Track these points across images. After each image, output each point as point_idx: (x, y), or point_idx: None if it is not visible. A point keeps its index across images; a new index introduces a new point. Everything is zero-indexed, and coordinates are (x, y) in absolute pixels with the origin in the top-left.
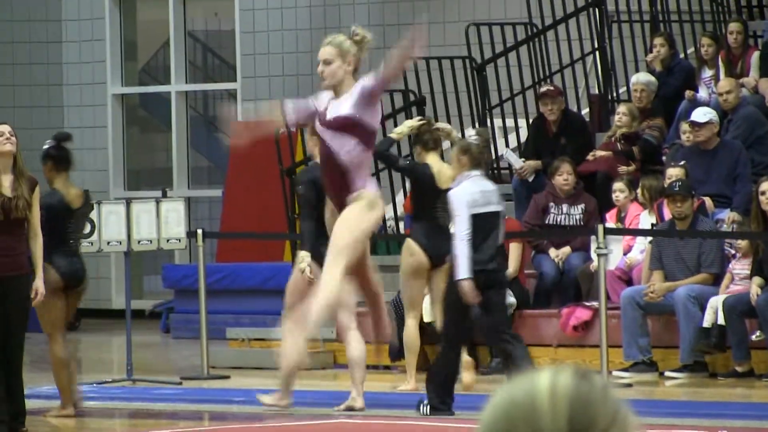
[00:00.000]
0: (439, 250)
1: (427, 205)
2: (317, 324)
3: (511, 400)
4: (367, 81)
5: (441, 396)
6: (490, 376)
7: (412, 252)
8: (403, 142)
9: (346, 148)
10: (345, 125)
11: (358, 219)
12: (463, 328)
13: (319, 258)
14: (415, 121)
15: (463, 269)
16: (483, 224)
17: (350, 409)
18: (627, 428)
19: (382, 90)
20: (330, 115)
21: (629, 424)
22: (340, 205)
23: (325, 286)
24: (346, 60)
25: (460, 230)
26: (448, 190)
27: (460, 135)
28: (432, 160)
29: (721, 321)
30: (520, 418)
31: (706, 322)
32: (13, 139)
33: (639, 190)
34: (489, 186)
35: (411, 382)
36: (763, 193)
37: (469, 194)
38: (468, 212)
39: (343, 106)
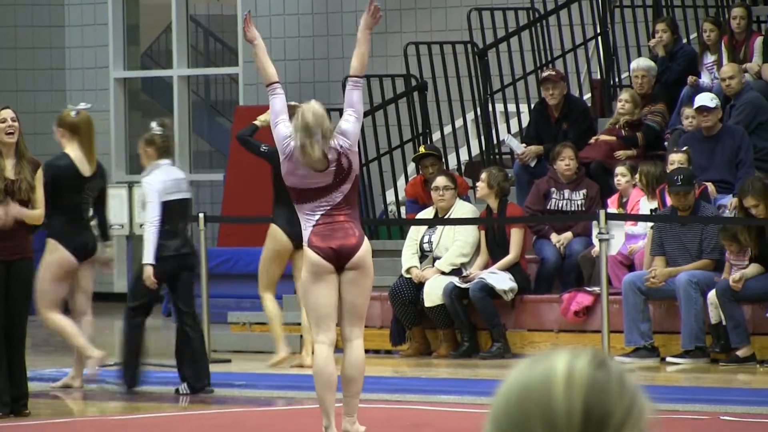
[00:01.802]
0: (300, 233)
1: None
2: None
3: (526, 384)
4: (348, 126)
5: (133, 368)
6: (489, 360)
7: (275, 236)
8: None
9: (347, 195)
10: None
11: (370, 285)
12: (147, 302)
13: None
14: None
15: (149, 254)
16: (175, 210)
17: None
18: (642, 419)
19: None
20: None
21: (645, 415)
22: (342, 248)
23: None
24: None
25: (151, 216)
26: None
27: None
28: None
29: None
30: (533, 405)
31: (713, 319)
32: (16, 125)
33: (638, 177)
34: (179, 174)
35: (283, 351)
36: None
37: (160, 182)
38: (159, 199)
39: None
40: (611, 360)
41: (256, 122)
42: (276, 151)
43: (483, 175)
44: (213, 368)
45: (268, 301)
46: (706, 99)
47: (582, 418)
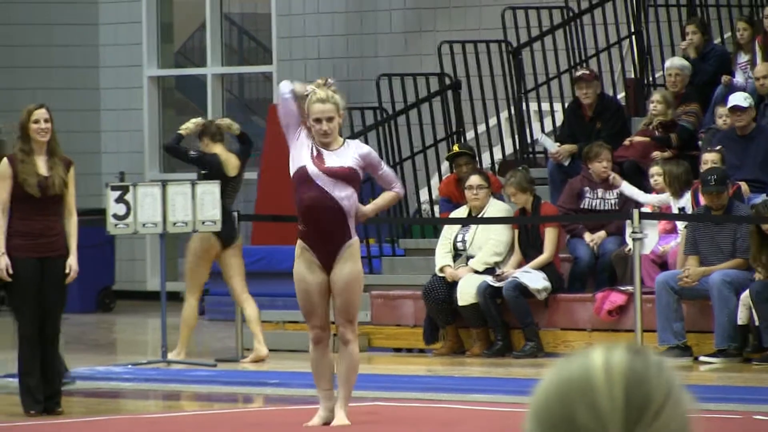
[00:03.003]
0: (228, 233)
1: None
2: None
3: (566, 379)
4: (374, 158)
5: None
6: (523, 359)
7: (203, 236)
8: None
9: (345, 193)
10: (348, 176)
11: (360, 281)
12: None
13: None
14: (199, 119)
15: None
16: None
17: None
18: (682, 403)
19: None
20: (331, 164)
21: (684, 399)
22: (331, 251)
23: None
24: (340, 115)
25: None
26: (236, 176)
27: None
28: (219, 150)
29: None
30: (576, 396)
31: (741, 320)
32: (48, 126)
33: (671, 177)
34: None
35: (181, 354)
36: None
37: None
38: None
39: (345, 159)
40: (647, 350)
41: (181, 131)
42: (206, 154)
43: (511, 180)
44: (246, 367)
45: (193, 304)
46: (739, 98)
47: (624, 404)
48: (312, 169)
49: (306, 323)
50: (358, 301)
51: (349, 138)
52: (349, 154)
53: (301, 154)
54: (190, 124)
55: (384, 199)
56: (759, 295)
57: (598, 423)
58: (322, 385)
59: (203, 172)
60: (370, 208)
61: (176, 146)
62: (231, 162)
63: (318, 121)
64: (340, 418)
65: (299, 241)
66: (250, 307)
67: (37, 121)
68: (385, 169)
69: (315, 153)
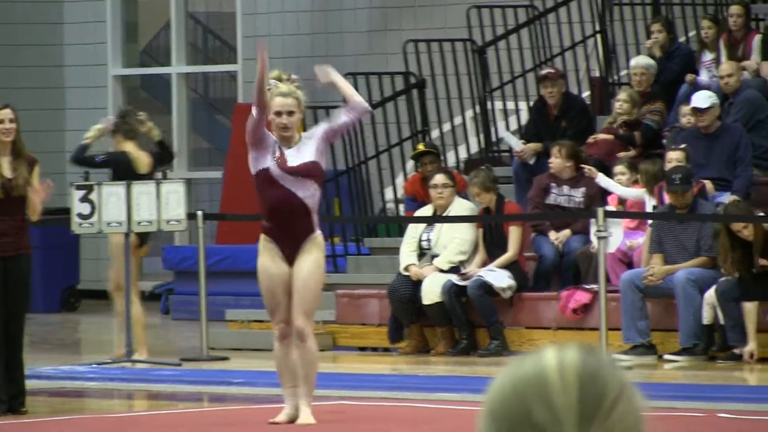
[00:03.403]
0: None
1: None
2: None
3: (520, 377)
4: (325, 127)
5: None
6: (487, 358)
7: (120, 236)
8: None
9: (309, 192)
10: (310, 171)
11: (321, 275)
12: None
13: None
14: (101, 125)
15: None
16: None
17: None
18: (635, 400)
19: (335, 136)
20: (293, 162)
21: (636, 396)
22: (294, 246)
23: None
24: (301, 110)
25: None
26: (146, 174)
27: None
28: (130, 147)
29: (720, 317)
30: (530, 393)
31: (706, 319)
32: (13, 126)
33: (639, 175)
34: None
35: (143, 353)
36: None
37: None
38: None
39: (305, 154)
40: (597, 349)
41: (85, 141)
42: (113, 153)
43: (474, 180)
44: (211, 366)
45: (137, 302)
46: (700, 99)
47: (578, 400)
48: (275, 170)
49: (270, 320)
50: (318, 295)
51: None
52: (308, 145)
53: (265, 156)
54: (93, 132)
55: (348, 85)
56: (724, 294)
57: (554, 420)
58: (286, 382)
59: (112, 171)
60: (334, 74)
61: (82, 157)
62: (142, 160)
63: (278, 114)
64: (306, 416)
65: (262, 236)
66: (137, 308)
67: (1, 121)
68: (343, 111)
69: (278, 154)
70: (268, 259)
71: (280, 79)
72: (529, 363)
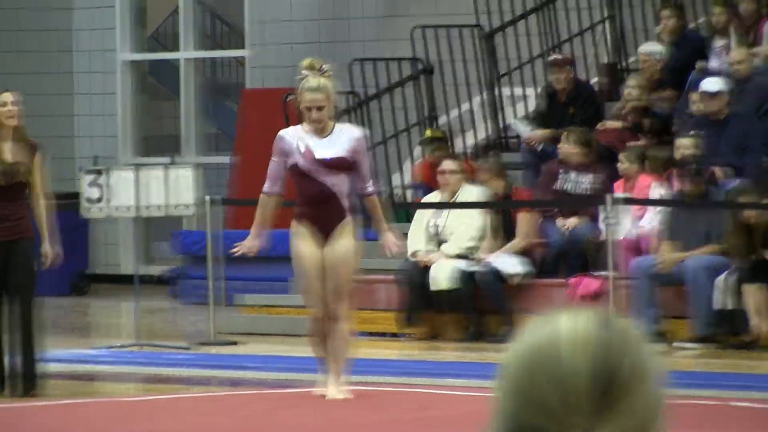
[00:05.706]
0: None
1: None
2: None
3: (533, 346)
4: (363, 152)
5: None
6: (497, 344)
7: None
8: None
9: (340, 182)
10: (341, 165)
11: (355, 261)
12: None
13: None
14: None
15: None
16: None
17: None
18: (649, 375)
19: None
20: (322, 155)
21: (652, 370)
22: (328, 228)
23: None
24: (332, 101)
25: None
26: None
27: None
28: None
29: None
30: (541, 366)
31: (717, 304)
32: (16, 109)
33: (647, 162)
34: None
35: None
36: None
37: None
38: None
39: (336, 149)
40: (614, 318)
41: None
42: None
43: (485, 167)
44: (221, 350)
45: None
46: (710, 84)
47: (590, 377)
48: (303, 164)
49: (305, 304)
50: (350, 279)
51: None
52: (341, 140)
53: (293, 156)
54: None
55: (378, 211)
56: (736, 281)
57: (564, 405)
58: (323, 363)
59: None
60: (388, 233)
61: None
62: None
63: (308, 109)
64: (332, 393)
65: (294, 222)
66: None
67: (4, 104)
68: (366, 164)
69: (303, 149)
70: (301, 243)
71: (312, 68)
72: (545, 330)
